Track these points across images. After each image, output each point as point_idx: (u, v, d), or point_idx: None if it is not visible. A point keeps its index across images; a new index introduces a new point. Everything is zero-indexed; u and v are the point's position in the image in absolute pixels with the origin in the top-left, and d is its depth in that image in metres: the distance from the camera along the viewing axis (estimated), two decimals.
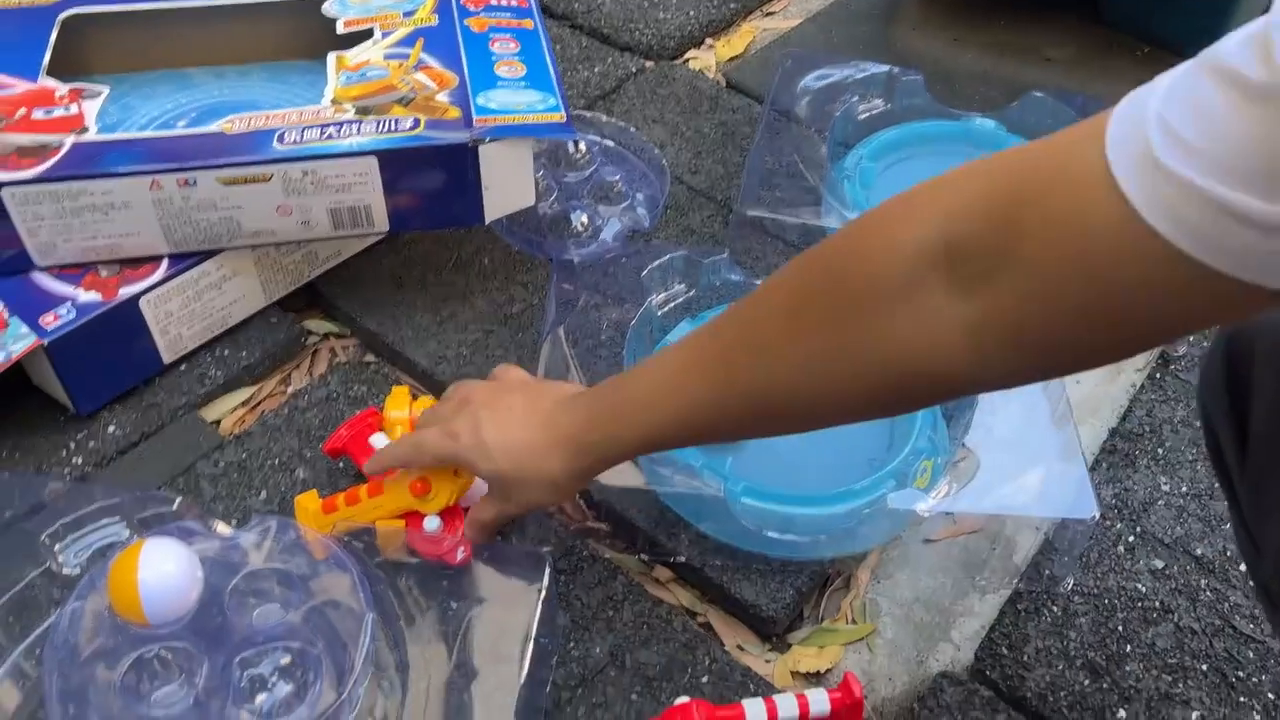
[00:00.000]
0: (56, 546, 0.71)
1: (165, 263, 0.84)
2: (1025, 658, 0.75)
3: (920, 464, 0.80)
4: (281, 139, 0.81)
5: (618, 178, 1.07)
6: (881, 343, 0.48)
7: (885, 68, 1.13)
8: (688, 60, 1.28)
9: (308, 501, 0.75)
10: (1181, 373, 0.95)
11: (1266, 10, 0.35)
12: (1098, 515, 0.75)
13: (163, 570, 0.62)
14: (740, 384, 0.55)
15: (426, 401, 0.84)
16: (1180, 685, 0.74)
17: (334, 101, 0.85)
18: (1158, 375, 0.95)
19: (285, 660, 0.64)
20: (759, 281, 0.94)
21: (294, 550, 0.68)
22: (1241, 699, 0.74)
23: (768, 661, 0.77)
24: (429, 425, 0.71)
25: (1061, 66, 1.29)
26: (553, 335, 0.90)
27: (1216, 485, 0.86)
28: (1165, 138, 0.36)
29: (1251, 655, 0.76)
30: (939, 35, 1.33)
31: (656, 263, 0.93)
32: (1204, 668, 0.75)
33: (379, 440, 0.79)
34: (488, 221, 0.89)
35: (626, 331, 0.90)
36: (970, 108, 1.12)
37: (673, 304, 0.93)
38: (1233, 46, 0.36)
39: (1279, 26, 0.34)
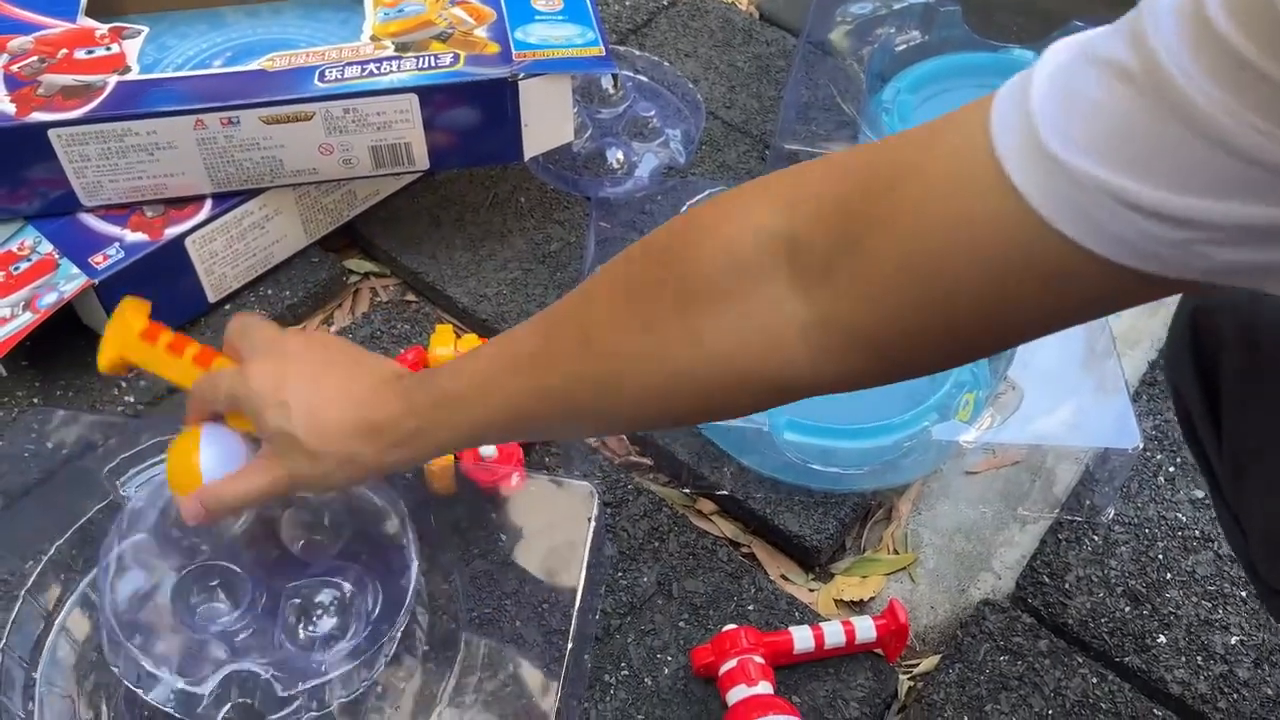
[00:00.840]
0: (119, 480, 0.73)
1: (209, 203, 0.85)
2: (1066, 585, 0.76)
3: (962, 396, 0.80)
4: (323, 76, 0.81)
5: (652, 113, 1.06)
6: (715, 340, 0.44)
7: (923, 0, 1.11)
8: None
9: (133, 313, 0.65)
10: None
11: None
12: (1140, 445, 0.76)
13: (222, 450, 0.61)
14: (565, 379, 0.50)
15: (471, 339, 0.85)
16: (1220, 611, 0.75)
17: (373, 38, 0.85)
18: None
19: (336, 591, 0.66)
20: None
21: None
22: None
23: (811, 590, 0.78)
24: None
25: None
26: (592, 274, 0.91)
27: None
28: (1054, 128, 0.35)
29: None
30: None
31: (695, 199, 0.93)
32: (1243, 594, 0.76)
33: None
34: (526, 158, 0.89)
35: None
36: (1008, 39, 1.10)
37: None
38: (1106, 35, 0.35)
39: (1150, 13, 0.33)
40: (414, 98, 0.82)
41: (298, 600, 0.64)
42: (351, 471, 0.57)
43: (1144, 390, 0.89)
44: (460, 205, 0.99)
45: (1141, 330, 0.94)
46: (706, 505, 0.82)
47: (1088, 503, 0.80)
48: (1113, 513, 0.80)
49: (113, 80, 0.81)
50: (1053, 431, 0.78)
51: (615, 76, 1.05)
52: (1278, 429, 0.51)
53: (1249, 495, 0.54)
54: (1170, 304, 0.96)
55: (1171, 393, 0.60)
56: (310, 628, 0.64)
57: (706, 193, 0.93)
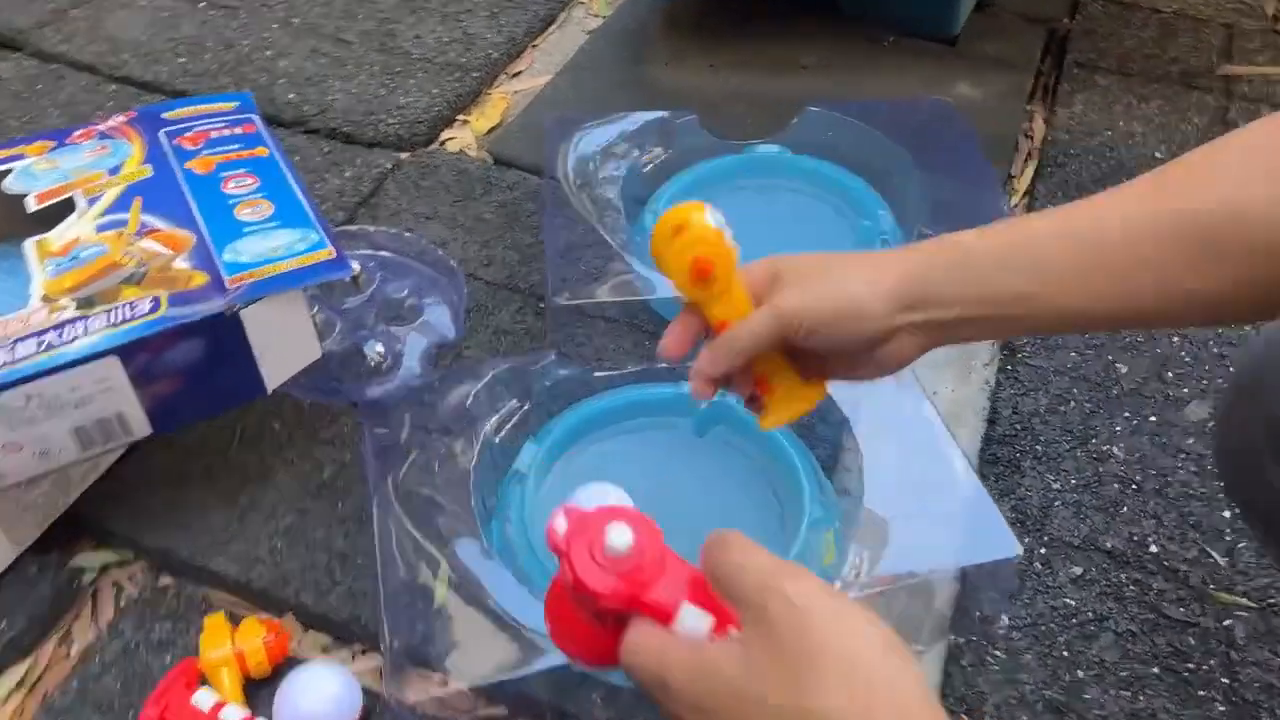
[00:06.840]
0: None
1: None
2: (987, 718, 0.69)
3: (822, 536, 0.73)
4: None
5: (405, 291, 0.95)
6: None
7: (656, 115, 1.07)
8: (445, 143, 1.17)
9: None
10: (1029, 359, 0.94)
11: None
12: (1020, 551, 0.71)
13: None
14: None
15: (252, 626, 0.70)
16: (1141, 697, 0.70)
17: (45, 299, 0.70)
18: (1009, 367, 0.93)
19: None
20: (596, 374, 0.85)
21: None
22: (1200, 692, 0.71)
23: None
24: None
25: (818, 70, 1.27)
26: (379, 496, 0.78)
27: (1103, 470, 0.84)
28: None
29: (1192, 642, 0.73)
30: (694, 65, 1.29)
31: (479, 384, 0.82)
32: (1155, 670, 0.72)
33: (203, 698, 0.64)
34: (270, 391, 0.75)
35: (469, 469, 0.78)
36: (746, 134, 1.08)
37: (509, 425, 0.82)
38: None
39: None
40: (114, 360, 0.67)
41: None
42: None
43: (988, 470, 0.85)
44: (203, 453, 0.83)
45: (961, 403, 0.91)
46: None
47: (977, 614, 0.74)
48: (1006, 620, 0.74)
49: None
50: (930, 556, 0.72)
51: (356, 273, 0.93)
52: None
53: None
54: (979, 364, 0.95)
55: (1242, 508, 0.55)
56: None
57: (490, 374, 0.83)
